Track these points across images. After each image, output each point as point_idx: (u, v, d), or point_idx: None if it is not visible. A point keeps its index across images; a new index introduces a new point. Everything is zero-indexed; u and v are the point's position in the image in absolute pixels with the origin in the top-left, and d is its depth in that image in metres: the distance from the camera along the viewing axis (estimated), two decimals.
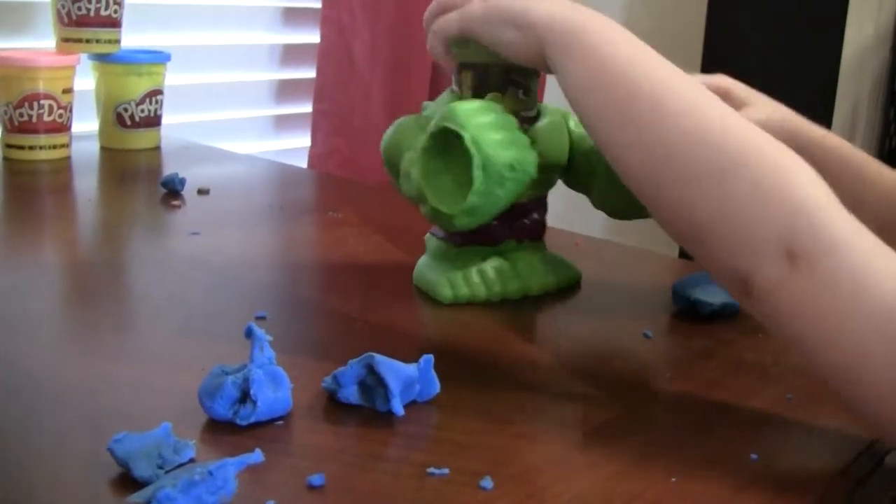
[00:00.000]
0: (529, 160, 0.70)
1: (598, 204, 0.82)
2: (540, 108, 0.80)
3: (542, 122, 0.79)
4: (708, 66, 2.49)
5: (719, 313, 0.77)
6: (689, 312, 0.78)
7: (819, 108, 2.48)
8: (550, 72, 0.67)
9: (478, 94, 0.75)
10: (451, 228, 0.74)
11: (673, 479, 0.52)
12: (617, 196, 0.77)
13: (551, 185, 0.82)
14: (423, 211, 0.73)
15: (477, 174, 0.67)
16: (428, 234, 0.82)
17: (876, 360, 0.50)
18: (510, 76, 0.75)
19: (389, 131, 0.79)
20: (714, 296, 0.77)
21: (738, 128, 0.57)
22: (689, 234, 0.58)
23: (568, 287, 0.83)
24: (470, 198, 0.68)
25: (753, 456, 0.55)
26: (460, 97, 0.77)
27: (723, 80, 0.86)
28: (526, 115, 0.77)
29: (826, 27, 2.50)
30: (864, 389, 0.51)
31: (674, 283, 0.80)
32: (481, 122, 0.69)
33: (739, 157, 0.55)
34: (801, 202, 0.53)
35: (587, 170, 0.80)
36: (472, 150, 0.67)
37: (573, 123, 0.80)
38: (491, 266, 0.79)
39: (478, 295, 0.78)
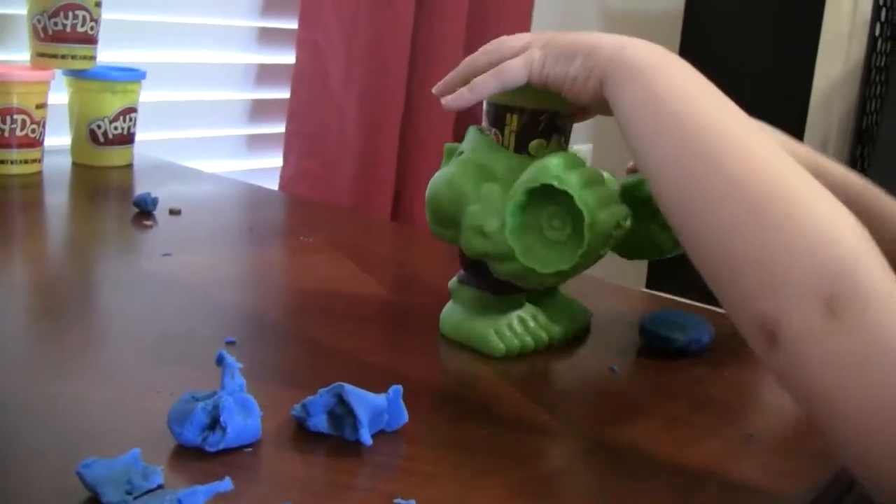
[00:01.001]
0: (626, 215, 0.70)
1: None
2: None
3: None
4: None
5: (686, 350, 0.78)
6: (656, 348, 0.79)
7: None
8: (609, 112, 0.66)
9: (521, 138, 0.74)
10: (536, 286, 0.74)
11: None
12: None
13: None
14: (502, 268, 0.71)
15: (588, 234, 0.67)
16: (455, 283, 0.79)
17: None
18: (555, 122, 0.74)
19: (441, 182, 0.75)
20: (682, 332, 0.78)
21: (789, 173, 0.56)
22: (724, 274, 0.56)
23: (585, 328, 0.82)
24: (577, 258, 0.68)
25: (714, 492, 0.56)
26: (499, 140, 0.74)
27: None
28: None
29: (797, 62, 2.54)
30: (887, 444, 0.48)
31: (641, 318, 0.81)
32: (581, 178, 0.68)
33: (786, 201, 0.54)
34: (845, 250, 0.52)
35: None
36: (583, 209, 0.67)
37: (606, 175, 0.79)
38: (528, 314, 0.77)
39: (527, 345, 0.75)
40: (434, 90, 0.75)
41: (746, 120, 0.60)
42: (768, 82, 2.59)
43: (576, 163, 0.69)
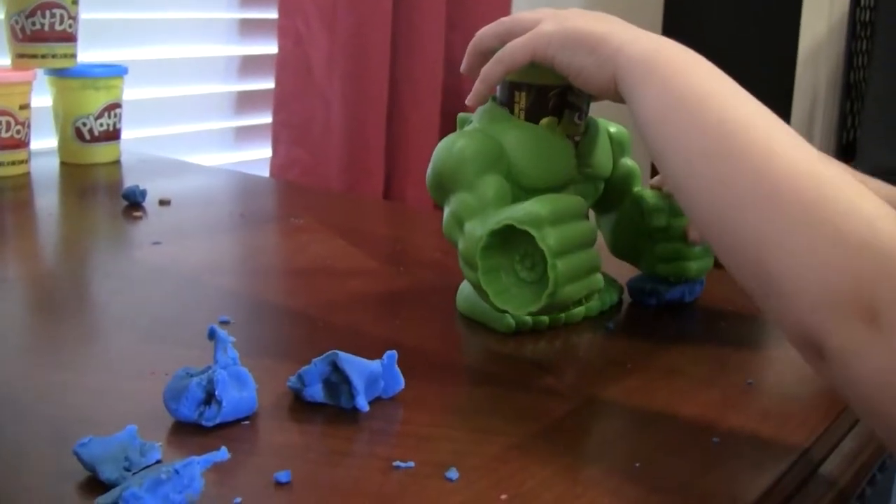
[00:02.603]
0: (598, 284, 0.67)
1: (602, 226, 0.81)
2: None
3: (590, 135, 0.75)
4: None
5: (677, 302, 0.78)
6: (648, 304, 0.79)
7: (777, 102, 2.51)
8: (621, 100, 0.64)
9: (532, 115, 0.72)
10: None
11: (636, 465, 0.53)
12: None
13: (598, 195, 0.78)
14: (466, 273, 0.69)
15: (551, 275, 0.63)
16: None
17: None
18: (566, 99, 0.72)
19: (449, 153, 0.72)
20: (667, 285, 0.78)
21: (821, 171, 0.52)
22: (761, 283, 0.52)
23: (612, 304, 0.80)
24: (545, 300, 0.64)
25: (715, 439, 0.57)
26: (508, 115, 0.73)
27: None
28: (577, 139, 0.74)
29: (781, 21, 2.53)
30: None
31: (629, 279, 0.81)
32: (549, 218, 0.64)
33: (820, 203, 0.50)
34: (885, 254, 0.47)
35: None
36: (545, 249, 0.63)
37: (613, 129, 0.79)
38: None
39: (540, 321, 0.73)
40: (462, 70, 0.73)
41: (771, 116, 0.56)
42: (755, 43, 2.58)
43: (549, 202, 0.66)
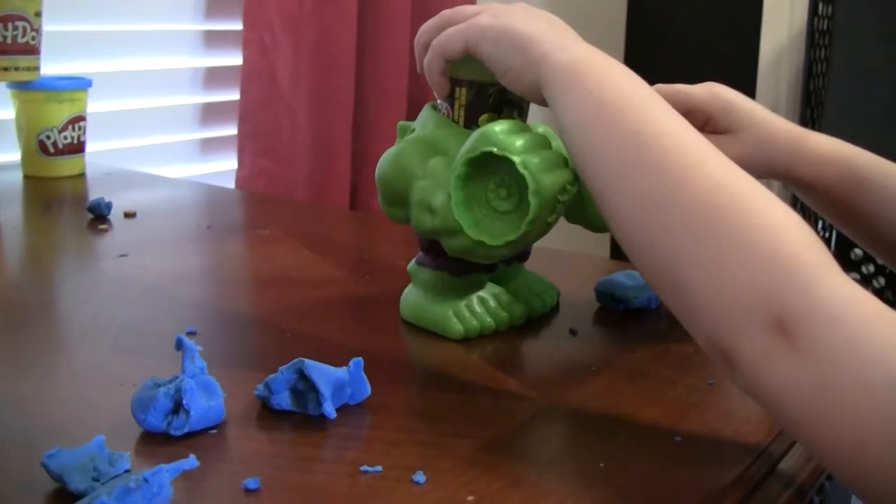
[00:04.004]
0: (573, 179, 0.68)
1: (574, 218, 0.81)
2: None
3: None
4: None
5: (643, 308, 0.79)
6: (613, 309, 0.80)
7: None
8: (545, 103, 0.64)
9: (471, 111, 0.72)
10: (488, 260, 0.71)
11: (601, 465, 0.54)
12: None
13: None
14: (452, 244, 0.69)
15: (532, 201, 0.64)
16: (414, 265, 0.77)
17: (876, 439, 0.44)
18: (507, 95, 0.72)
19: (388, 160, 0.73)
20: (637, 290, 0.79)
21: (732, 183, 0.53)
22: (674, 293, 0.53)
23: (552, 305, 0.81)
24: (523, 227, 0.65)
25: (677, 439, 0.58)
26: (449, 115, 0.74)
27: (717, 93, 0.79)
28: None
29: (742, 31, 2.56)
30: (866, 474, 0.45)
31: (597, 282, 0.82)
32: (524, 143, 0.66)
33: (728, 216, 0.51)
34: (793, 267, 0.48)
35: None
36: (526, 175, 0.64)
37: (541, 129, 0.78)
38: (490, 294, 0.76)
39: (487, 326, 0.74)
40: (418, 70, 0.74)
41: (686, 126, 0.57)
42: (716, 53, 2.61)
43: (517, 128, 0.67)
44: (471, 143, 0.67)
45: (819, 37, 2.39)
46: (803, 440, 0.48)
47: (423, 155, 0.72)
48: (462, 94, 0.73)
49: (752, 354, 0.48)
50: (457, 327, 0.73)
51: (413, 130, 0.76)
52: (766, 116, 0.79)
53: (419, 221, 0.71)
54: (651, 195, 0.54)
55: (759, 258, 0.49)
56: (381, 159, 0.74)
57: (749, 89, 2.55)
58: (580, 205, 0.75)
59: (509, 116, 0.73)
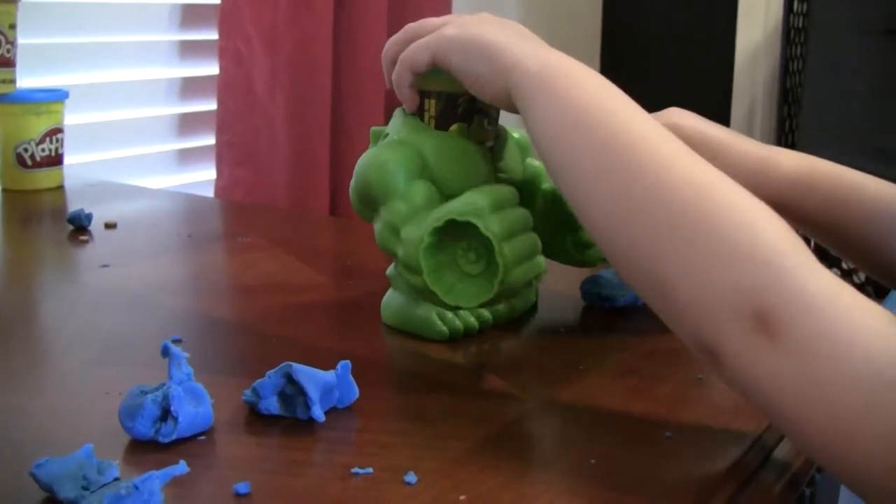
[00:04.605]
0: (541, 266, 0.71)
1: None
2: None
3: (500, 140, 0.77)
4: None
5: (630, 305, 0.79)
6: (599, 307, 0.80)
7: (717, 108, 2.56)
8: (516, 111, 0.64)
9: (442, 122, 0.73)
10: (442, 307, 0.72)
11: (592, 462, 0.54)
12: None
13: None
14: (412, 280, 0.70)
15: (500, 261, 0.66)
16: (393, 270, 0.76)
17: (865, 432, 0.45)
18: (476, 105, 0.72)
19: (374, 163, 0.73)
20: (622, 289, 0.79)
21: (708, 182, 0.53)
22: (655, 293, 0.53)
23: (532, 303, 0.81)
24: (495, 287, 0.67)
25: (668, 434, 0.57)
26: (422, 125, 0.74)
27: (680, 118, 0.78)
28: (490, 145, 0.75)
29: (718, 29, 2.58)
30: (856, 467, 0.46)
31: (582, 280, 0.82)
32: (487, 205, 0.67)
33: (706, 215, 0.51)
34: (771, 261, 0.48)
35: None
36: (490, 237, 0.66)
37: (516, 135, 0.80)
38: None
39: (470, 325, 0.74)
40: (387, 85, 0.74)
41: (659, 128, 0.57)
42: (693, 51, 2.62)
43: (485, 193, 0.68)
44: (438, 212, 0.68)
45: (795, 34, 2.41)
46: (791, 434, 0.49)
47: (409, 170, 0.72)
48: (431, 105, 0.73)
49: (736, 350, 0.48)
50: (441, 328, 0.73)
51: (386, 135, 0.76)
52: (736, 142, 0.77)
53: (384, 240, 0.72)
54: (626, 198, 0.54)
55: (737, 255, 0.49)
56: (363, 160, 0.74)
57: (725, 87, 2.56)
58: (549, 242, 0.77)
59: (479, 125, 0.74)
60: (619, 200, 0.55)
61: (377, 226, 0.73)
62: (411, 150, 0.72)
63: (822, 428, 0.46)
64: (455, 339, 0.73)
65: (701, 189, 0.52)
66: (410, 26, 0.72)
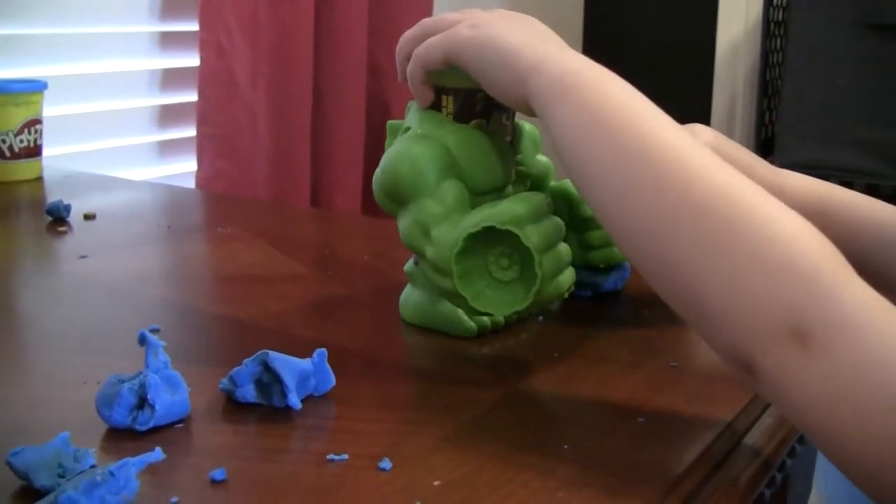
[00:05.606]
0: (573, 278, 0.70)
1: None
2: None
3: (518, 134, 0.76)
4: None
5: (612, 290, 0.80)
6: (581, 295, 0.81)
7: (698, 101, 2.57)
8: (534, 114, 0.62)
9: (461, 119, 0.71)
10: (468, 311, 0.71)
11: (565, 447, 0.55)
12: None
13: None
14: (441, 283, 0.68)
15: (539, 271, 0.64)
16: (412, 266, 0.75)
17: None
18: (494, 100, 0.68)
19: (405, 157, 0.70)
20: (604, 273, 0.80)
21: (740, 193, 0.52)
22: (690, 307, 0.52)
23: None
24: (532, 297, 0.64)
25: (641, 420, 0.58)
26: (444, 118, 0.71)
27: (699, 134, 0.76)
28: (509, 139, 0.74)
29: (699, 23, 2.59)
30: (888, 486, 0.45)
31: None
32: (525, 214, 0.65)
33: (741, 228, 0.50)
34: (810, 275, 0.48)
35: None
36: (530, 247, 0.63)
37: (528, 127, 0.78)
38: None
39: (496, 321, 0.73)
40: (399, 79, 0.72)
41: (687, 137, 0.55)
42: (674, 45, 2.63)
43: (524, 202, 0.67)
44: (473, 217, 0.67)
45: (774, 27, 2.42)
46: (827, 452, 0.48)
47: (440, 167, 0.69)
48: (449, 102, 0.71)
49: (773, 365, 0.48)
50: (469, 325, 0.72)
51: (408, 129, 0.73)
52: (752, 162, 0.75)
53: (412, 237, 0.70)
54: (658, 211, 0.53)
55: (775, 269, 0.48)
56: (394, 154, 0.71)
57: (707, 81, 2.57)
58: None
59: (498, 121, 0.72)
60: (649, 214, 0.53)
61: (404, 222, 0.70)
62: (440, 145, 0.70)
63: (855, 448, 0.46)
64: (482, 335, 0.72)
65: (735, 201, 0.51)
66: (425, 22, 0.70)
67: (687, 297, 0.52)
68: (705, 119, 2.55)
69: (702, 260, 0.51)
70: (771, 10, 2.39)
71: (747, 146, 0.78)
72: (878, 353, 0.45)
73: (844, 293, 0.47)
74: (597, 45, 2.69)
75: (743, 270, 0.49)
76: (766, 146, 2.44)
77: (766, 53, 2.41)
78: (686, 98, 2.60)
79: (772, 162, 0.80)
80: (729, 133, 2.63)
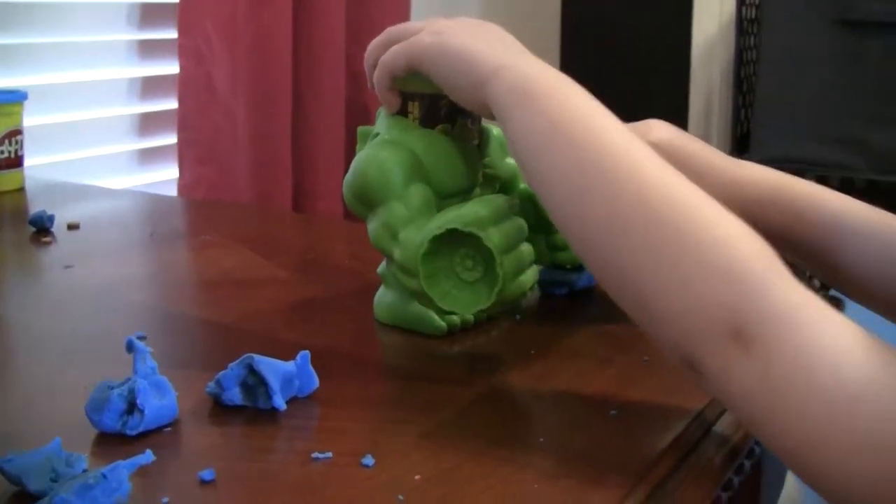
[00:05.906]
0: (535, 277, 0.73)
1: None
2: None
3: (484, 138, 0.78)
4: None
5: (586, 288, 0.82)
6: (558, 295, 0.83)
7: (674, 99, 2.60)
8: (494, 118, 0.64)
9: (427, 124, 0.73)
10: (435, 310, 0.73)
11: (541, 440, 0.57)
12: None
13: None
14: (408, 283, 0.71)
15: (499, 271, 0.66)
16: (384, 267, 0.76)
17: (836, 447, 0.47)
18: (458, 106, 0.70)
19: (372, 164, 0.72)
20: (572, 276, 0.82)
21: (687, 200, 0.54)
22: (640, 309, 0.55)
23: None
24: (493, 297, 0.67)
25: (613, 412, 0.60)
26: (412, 124, 0.74)
27: (656, 130, 0.78)
28: (476, 143, 0.76)
29: (674, 21, 2.62)
30: (826, 476, 0.48)
31: (539, 272, 0.84)
32: (488, 216, 0.68)
33: (686, 234, 0.52)
34: (744, 277, 0.50)
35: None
36: (492, 248, 0.66)
37: (495, 132, 0.80)
38: None
39: (466, 319, 0.75)
40: (369, 86, 0.74)
41: (639, 142, 0.58)
42: (650, 44, 2.66)
43: (486, 204, 0.70)
44: (437, 220, 0.69)
45: (748, 24, 2.45)
46: (769, 444, 0.50)
47: (407, 171, 0.72)
48: (415, 107, 0.74)
49: (716, 364, 0.50)
50: (439, 324, 0.74)
51: (376, 135, 0.76)
52: (708, 155, 0.78)
53: (380, 240, 0.72)
54: (607, 216, 0.55)
55: (715, 272, 0.51)
56: (362, 159, 0.73)
57: (683, 78, 2.60)
58: None
59: (463, 125, 0.74)
60: (600, 218, 0.56)
61: (373, 224, 0.73)
62: (407, 150, 0.72)
63: (794, 438, 0.48)
64: (453, 333, 0.74)
65: (680, 207, 0.54)
66: (391, 30, 0.72)
67: (636, 300, 0.55)
68: (682, 116, 2.57)
69: (650, 266, 0.53)
70: (744, 7, 2.41)
71: (724, 142, 0.81)
72: (808, 348, 0.48)
73: (776, 292, 0.50)
74: (574, 44, 2.71)
75: (686, 275, 0.52)
76: (742, 142, 2.46)
77: (741, 51, 2.43)
78: (663, 96, 2.63)
79: (748, 158, 0.82)
80: (706, 129, 2.67)
